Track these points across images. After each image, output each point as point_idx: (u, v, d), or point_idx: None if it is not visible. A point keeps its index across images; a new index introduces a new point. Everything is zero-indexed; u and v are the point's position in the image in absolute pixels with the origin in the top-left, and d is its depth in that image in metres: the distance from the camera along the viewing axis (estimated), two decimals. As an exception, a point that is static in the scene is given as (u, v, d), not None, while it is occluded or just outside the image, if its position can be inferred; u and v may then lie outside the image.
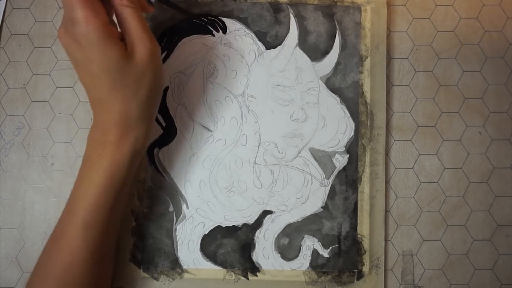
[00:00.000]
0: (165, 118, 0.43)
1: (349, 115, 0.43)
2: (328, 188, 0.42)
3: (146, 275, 0.41)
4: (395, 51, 0.45)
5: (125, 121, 0.34)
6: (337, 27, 0.44)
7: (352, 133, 0.43)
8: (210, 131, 0.43)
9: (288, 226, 0.42)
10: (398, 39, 0.45)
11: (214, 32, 0.43)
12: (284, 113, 0.43)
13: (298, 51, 0.43)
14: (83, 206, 0.34)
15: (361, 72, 0.43)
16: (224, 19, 0.43)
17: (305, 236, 0.42)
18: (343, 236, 0.42)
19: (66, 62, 0.44)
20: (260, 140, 0.43)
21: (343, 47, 0.43)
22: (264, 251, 0.42)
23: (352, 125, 0.43)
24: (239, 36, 0.43)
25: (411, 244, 0.43)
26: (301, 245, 0.42)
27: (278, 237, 0.42)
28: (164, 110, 0.43)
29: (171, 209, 0.42)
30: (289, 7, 0.44)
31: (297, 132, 0.43)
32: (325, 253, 0.42)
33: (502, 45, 0.45)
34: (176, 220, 0.42)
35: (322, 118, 0.43)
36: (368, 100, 0.43)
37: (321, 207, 0.42)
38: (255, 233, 0.42)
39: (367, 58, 0.43)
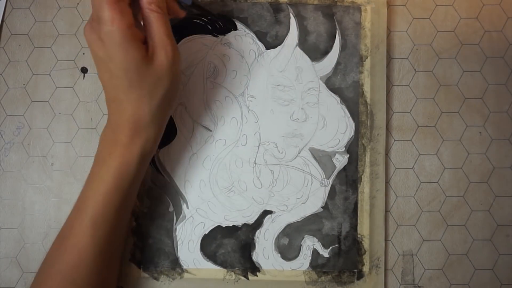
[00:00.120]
0: (165, 118, 0.43)
1: (349, 115, 0.43)
2: (328, 188, 0.42)
3: (146, 275, 0.41)
4: (395, 51, 0.45)
5: (137, 123, 0.34)
6: (337, 27, 0.44)
7: (352, 133, 0.43)
8: (210, 131, 0.43)
9: (288, 226, 0.42)
10: (398, 39, 0.45)
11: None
12: (284, 113, 0.43)
13: (298, 51, 0.43)
14: (92, 204, 0.35)
15: (361, 72, 0.43)
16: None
17: (305, 236, 0.42)
18: (343, 236, 0.42)
19: (66, 62, 0.44)
20: (260, 140, 0.43)
21: (343, 47, 0.43)
22: (264, 251, 0.42)
23: (352, 125, 0.43)
24: (239, 36, 0.44)
25: (411, 244, 0.43)
26: (301, 245, 0.42)
27: (278, 237, 0.42)
28: (164, 110, 0.43)
29: (171, 209, 0.42)
30: (289, 7, 0.44)
31: (297, 132, 0.43)
32: (325, 253, 0.42)
33: (502, 45, 0.45)
34: (176, 220, 0.42)
35: (322, 118, 0.43)
36: (368, 100, 0.43)
37: (321, 207, 0.42)
38: (255, 233, 0.42)
39: (367, 58, 0.43)
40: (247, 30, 0.43)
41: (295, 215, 0.42)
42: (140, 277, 0.41)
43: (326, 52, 0.43)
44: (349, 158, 0.43)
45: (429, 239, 0.43)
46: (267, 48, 0.43)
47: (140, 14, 0.34)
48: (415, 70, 0.45)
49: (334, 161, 0.43)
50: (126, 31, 0.32)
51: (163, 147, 0.42)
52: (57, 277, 0.34)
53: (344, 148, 0.43)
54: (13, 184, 0.43)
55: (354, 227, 0.42)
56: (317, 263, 0.42)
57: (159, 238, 0.42)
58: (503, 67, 0.45)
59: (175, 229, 0.42)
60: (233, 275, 0.41)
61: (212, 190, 0.42)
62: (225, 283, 0.41)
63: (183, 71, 0.43)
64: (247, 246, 0.42)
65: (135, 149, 0.35)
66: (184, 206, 0.42)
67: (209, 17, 0.43)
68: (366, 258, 0.42)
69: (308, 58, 0.43)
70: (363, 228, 0.42)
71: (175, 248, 0.42)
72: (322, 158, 0.43)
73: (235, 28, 0.43)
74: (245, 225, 0.42)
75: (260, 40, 0.43)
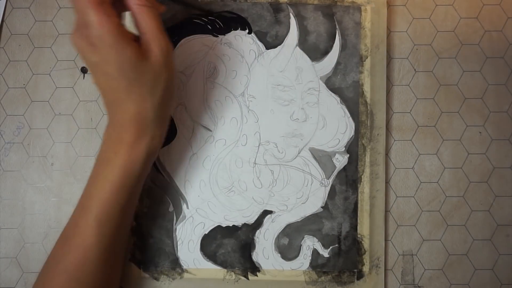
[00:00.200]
0: (165, 118, 0.43)
1: (349, 115, 0.43)
2: (328, 188, 0.42)
3: (146, 275, 0.41)
4: (395, 51, 0.45)
5: (141, 121, 0.34)
6: (337, 27, 0.44)
7: (352, 133, 0.43)
8: (210, 131, 0.43)
9: (288, 226, 0.42)
10: (398, 39, 0.45)
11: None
12: (284, 113, 0.43)
13: (298, 51, 0.43)
14: (96, 202, 0.34)
15: (361, 72, 0.43)
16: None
17: (305, 236, 0.42)
18: (343, 236, 0.42)
19: (66, 62, 0.44)
20: (260, 140, 0.43)
21: (343, 47, 0.43)
22: (264, 251, 0.42)
23: (352, 125, 0.43)
24: (239, 36, 0.44)
25: (411, 244, 0.43)
26: (301, 245, 0.42)
27: (278, 237, 0.42)
28: (164, 110, 0.43)
29: (171, 209, 0.42)
30: (289, 7, 0.44)
31: (297, 132, 0.43)
32: (325, 253, 0.42)
33: (502, 45, 0.45)
34: (176, 220, 0.42)
35: (322, 118, 0.43)
36: (368, 100, 0.43)
37: (321, 207, 0.42)
38: (255, 233, 0.42)
39: (367, 58, 0.43)
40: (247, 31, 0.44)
41: (295, 215, 0.42)
42: (140, 277, 0.41)
43: (326, 52, 0.43)
44: (349, 158, 0.43)
45: (429, 239, 0.43)
46: (267, 48, 0.43)
47: (122, 14, 0.34)
48: (415, 70, 0.45)
49: (334, 161, 0.43)
50: (116, 31, 0.31)
51: (163, 147, 0.42)
52: (61, 276, 0.34)
53: (344, 148, 0.43)
54: (13, 184, 0.43)
55: (354, 227, 0.42)
56: (317, 263, 0.42)
57: (159, 238, 0.42)
58: (503, 67, 0.45)
59: (175, 229, 0.42)
60: (233, 275, 0.41)
61: (212, 190, 0.42)
62: (225, 283, 0.41)
63: (183, 71, 0.43)
64: (247, 246, 0.42)
65: (141, 147, 0.35)
66: (184, 206, 0.42)
67: (214, 15, 0.43)
68: (366, 258, 0.42)
69: (308, 58, 0.43)
70: (363, 228, 0.42)
71: (175, 248, 0.42)
72: (322, 158, 0.43)
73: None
74: (245, 225, 0.42)
75: (260, 40, 0.43)
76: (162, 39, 0.34)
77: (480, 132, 0.44)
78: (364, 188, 0.42)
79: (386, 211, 0.43)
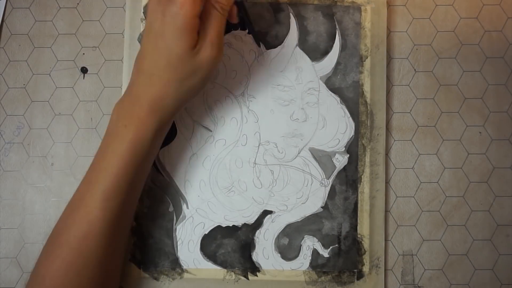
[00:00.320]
0: (165, 118, 0.43)
1: (349, 115, 0.43)
2: (328, 188, 0.42)
3: (146, 275, 0.41)
4: (395, 51, 0.45)
5: (158, 101, 0.35)
6: (337, 27, 0.44)
7: (352, 133, 0.43)
8: (210, 131, 0.43)
9: (288, 226, 0.42)
10: (398, 39, 0.45)
11: None
12: (284, 113, 0.43)
13: (298, 51, 0.43)
14: (104, 176, 0.34)
15: (361, 72, 0.43)
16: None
17: (305, 236, 0.42)
18: (343, 236, 0.42)
19: (66, 62, 0.44)
20: (260, 140, 0.43)
21: (343, 47, 0.43)
22: (264, 251, 0.42)
23: (352, 125, 0.43)
24: (239, 36, 0.44)
25: (411, 244, 0.43)
26: (301, 245, 0.42)
27: (278, 237, 0.42)
28: (164, 110, 0.43)
29: (171, 209, 0.42)
30: (289, 7, 0.44)
31: (297, 132, 0.43)
32: (325, 253, 0.42)
33: (502, 45, 0.45)
34: (176, 220, 0.42)
35: (322, 118, 0.43)
36: (368, 100, 0.43)
37: (321, 207, 0.42)
38: (255, 233, 0.42)
39: (367, 58, 0.43)
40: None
41: (295, 215, 0.42)
42: (140, 277, 0.41)
43: (326, 52, 0.43)
44: (349, 158, 0.43)
45: (429, 239, 0.43)
46: (267, 48, 0.43)
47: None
48: (415, 70, 0.45)
49: (334, 161, 0.43)
50: (189, 20, 0.32)
51: (163, 147, 0.42)
52: (63, 247, 0.34)
53: (344, 148, 0.43)
54: (13, 184, 0.43)
55: (354, 227, 0.42)
56: (317, 263, 0.42)
57: (159, 238, 0.42)
58: (503, 67, 0.45)
59: (175, 229, 0.42)
60: (233, 275, 0.41)
61: (212, 190, 0.42)
62: (225, 283, 0.41)
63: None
64: (247, 246, 0.42)
65: (151, 124, 0.35)
66: (184, 206, 0.42)
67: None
68: (366, 258, 0.42)
69: (308, 58, 0.43)
70: (363, 228, 0.42)
71: (175, 248, 0.42)
72: (322, 158, 0.43)
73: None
74: (245, 225, 0.42)
75: (260, 40, 0.43)
76: (216, 46, 0.35)
77: (480, 132, 0.44)
78: (364, 188, 0.42)
79: (386, 211, 0.43)
